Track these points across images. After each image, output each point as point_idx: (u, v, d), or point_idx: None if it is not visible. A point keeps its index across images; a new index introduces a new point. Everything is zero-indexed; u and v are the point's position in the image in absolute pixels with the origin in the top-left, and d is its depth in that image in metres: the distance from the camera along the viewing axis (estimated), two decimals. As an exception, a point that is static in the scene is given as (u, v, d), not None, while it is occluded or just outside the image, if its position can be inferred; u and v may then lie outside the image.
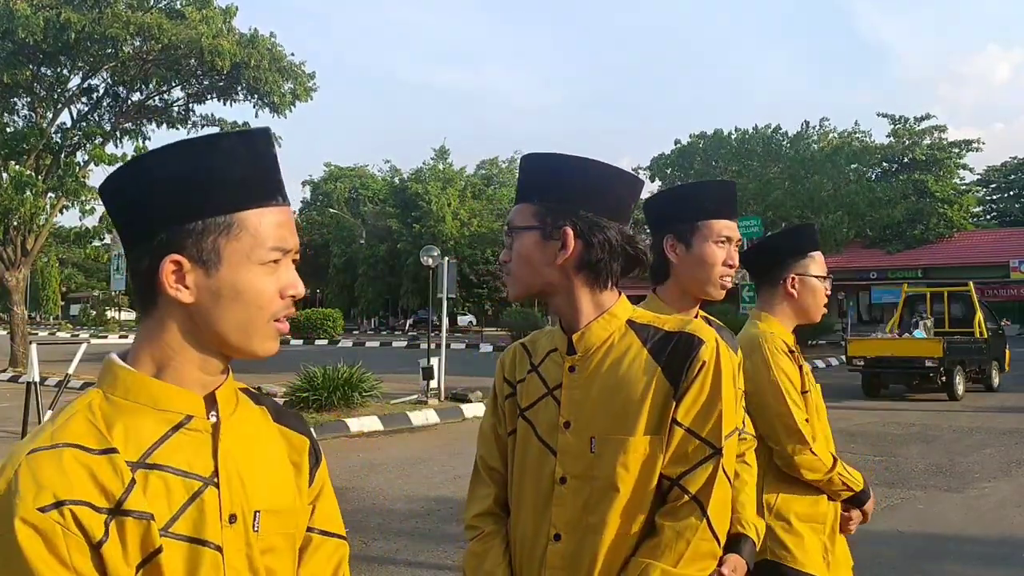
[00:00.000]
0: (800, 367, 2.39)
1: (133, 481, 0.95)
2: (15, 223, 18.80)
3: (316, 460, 1.18)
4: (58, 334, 41.10)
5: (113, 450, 0.96)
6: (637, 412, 1.46)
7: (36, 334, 28.66)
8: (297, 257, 1.09)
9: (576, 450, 1.49)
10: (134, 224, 1.03)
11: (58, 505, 0.89)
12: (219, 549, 1.01)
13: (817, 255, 2.45)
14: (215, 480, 1.02)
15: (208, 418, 1.04)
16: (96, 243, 21.79)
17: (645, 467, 1.46)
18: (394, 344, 33.29)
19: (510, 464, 1.62)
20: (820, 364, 22.17)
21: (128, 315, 60.60)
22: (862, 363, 15.21)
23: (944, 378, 14.38)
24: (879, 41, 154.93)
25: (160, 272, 1.00)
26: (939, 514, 6.50)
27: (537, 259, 1.51)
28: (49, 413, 8.73)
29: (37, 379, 8.85)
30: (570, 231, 1.48)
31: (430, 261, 14.36)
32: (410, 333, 41.71)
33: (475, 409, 12.44)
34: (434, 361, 13.07)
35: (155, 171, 1.02)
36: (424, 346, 17.97)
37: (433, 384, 13.01)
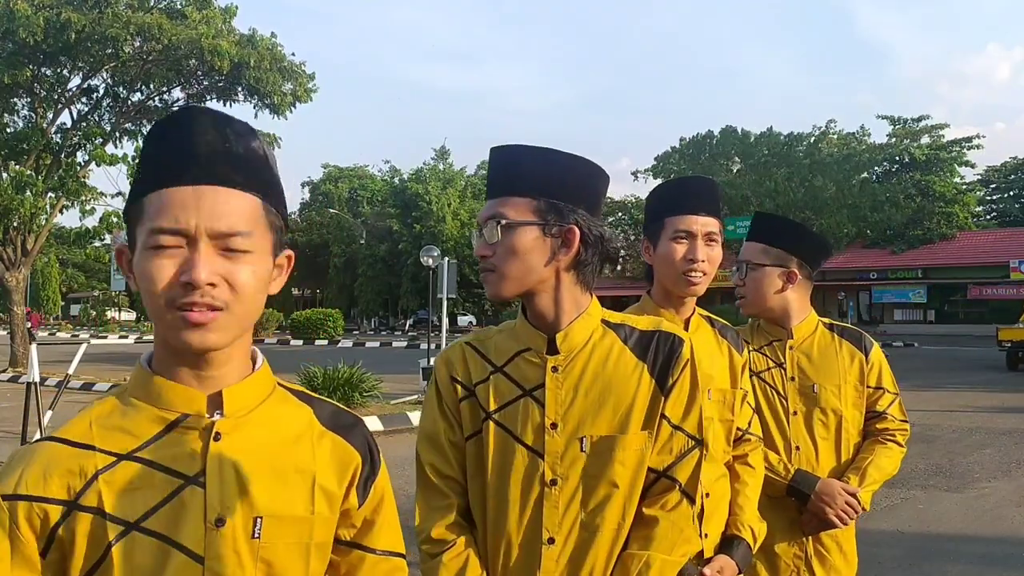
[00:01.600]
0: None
1: (95, 477, 0.98)
2: (15, 223, 18.79)
3: (370, 473, 1.11)
4: (58, 334, 41.08)
5: (90, 447, 0.99)
6: (629, 410, 1.48)
7: (36, 334, 28.66)
8: (235, 242, 0.99)
9: (563, 450, 1.48)
10: None
11: (10, 499, 0.96)
12: (197, 557, 0.98)
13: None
14: (200, 480, 0.99)
15: (211, 416, 1.01)
16: (96, 243, 21.78)
17: (638, 463, 1.49)
18: (394, 344, 33.27)
19: (476, 470, 1.53)
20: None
21: (128, 315, 60.53)
22: (1009, 344, 20.55)
23: None
24: (879, 40, 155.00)
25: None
26: (939, 514, 6.50)
27: (535, 256, 1.46)
28: (49, 414, 8.72)
29: (37, 379, 8.83)
30: (577, 230, 1.46)
31: (430, 261, 14.36)
32: (410, 333, 41.71)
33: (475, 409, 12.39)
34: (434, 361, 13.04)
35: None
36: (424, 346, 17.99)
37: (433, 384, 12.97)
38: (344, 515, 1.09)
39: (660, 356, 1.51)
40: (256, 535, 1.00)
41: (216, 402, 1.03)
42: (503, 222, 1.48)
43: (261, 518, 1.01)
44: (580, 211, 1.47)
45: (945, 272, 42.52)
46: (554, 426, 1.49)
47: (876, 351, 2.45)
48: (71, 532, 0.96)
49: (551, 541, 1.47)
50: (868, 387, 2.42)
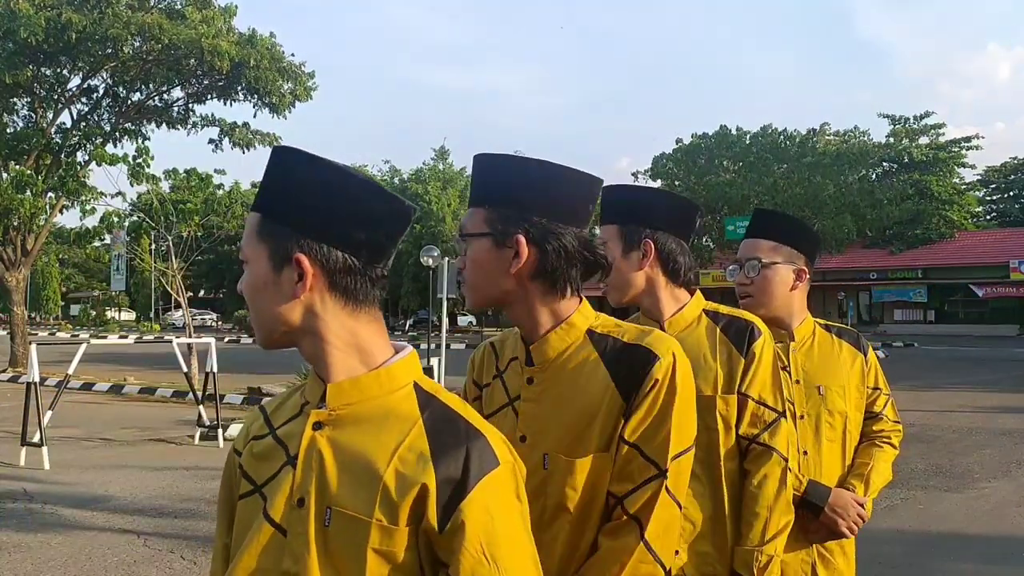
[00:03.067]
0: None
1: (248, 441, 1.19)
2: (15, 223, 18.81)
3: (453, 498, 1.02)
4: (58, 334, 41.05)
5: (266, 416, 1.20)
6: (588, 429, 1.41)
7: (36, 334, 28.64)
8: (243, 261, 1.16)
9: (531, 466, 1.37)
10: None
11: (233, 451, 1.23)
12: (282, 530, 1.08)
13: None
14: (295, 461, 1.10)
15: (319, 406, 1.12)
16: (96, 243, 21.80)
17: (593, 486, 1.41)
18: (394, 344, 33.21)
19: None
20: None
21: (128, 315, 60.36)
22: None
23: None
24: (879, 40, 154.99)
25: None
26: (939, 514, 6.51)
27: (491, 268, 1.42)
28: (49, 414, 8.72)
29: (37, 379, 8.84)
30: (522, 239, 1.39)
31: (430, 261, 14.37)
32: (410, 333, 41.69)
33: (475, 409, 12.38)
34: (434, 361, 13.05)
35: None
36: (424, 346, 17.98)
37: (433, 384, 12.96)
38: (432, 538, 1.03)
39: (629, 373, 1.42)
40: (327, 524, 1.06)
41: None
42: (464, 234, 1.46)
43: (331, 509, 1.06)
44: (533, 219, 1.40)
45: (945, 272, 42.54)
46: (523, 439, 1.44)
47: (871, 351, 2.42)
48: (238, 482, 1.17)
49: None
50: (867, 387, 2.38)
